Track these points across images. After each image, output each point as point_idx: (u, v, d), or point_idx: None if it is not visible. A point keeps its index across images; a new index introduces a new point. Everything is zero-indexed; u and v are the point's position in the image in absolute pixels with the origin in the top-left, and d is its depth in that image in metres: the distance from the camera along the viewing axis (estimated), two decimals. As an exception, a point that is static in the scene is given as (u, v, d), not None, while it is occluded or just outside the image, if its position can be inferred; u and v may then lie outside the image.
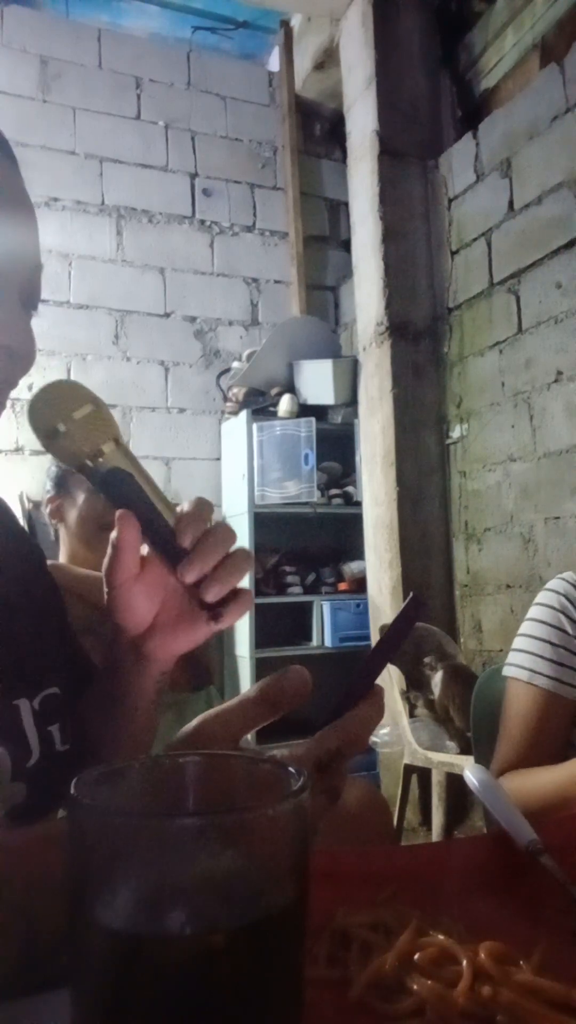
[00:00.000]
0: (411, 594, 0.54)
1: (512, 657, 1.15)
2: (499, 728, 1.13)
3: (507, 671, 1.14)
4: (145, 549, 0.61)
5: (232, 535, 0.59)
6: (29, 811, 0.60)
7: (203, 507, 0.59)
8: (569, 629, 1.11)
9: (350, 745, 0.48)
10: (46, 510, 1.58)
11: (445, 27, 3.55)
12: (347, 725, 0.49)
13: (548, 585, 1.18)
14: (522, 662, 1.12)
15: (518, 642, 1.15)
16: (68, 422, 0.57)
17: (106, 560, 0.60)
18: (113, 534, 0.59)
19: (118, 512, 0.58)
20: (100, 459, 0.58)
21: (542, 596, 1.17)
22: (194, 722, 0.52)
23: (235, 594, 0.58)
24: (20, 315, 0.61)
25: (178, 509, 0.60)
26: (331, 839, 0.49)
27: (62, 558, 1.59)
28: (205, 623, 0.60)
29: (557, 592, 1.15)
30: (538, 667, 1.10)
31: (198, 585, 0.57)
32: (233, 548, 0.59)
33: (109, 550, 0.59)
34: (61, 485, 1.55)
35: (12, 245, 0.61)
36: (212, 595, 0.57)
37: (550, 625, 1.12)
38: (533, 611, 1.16)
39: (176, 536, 0.58)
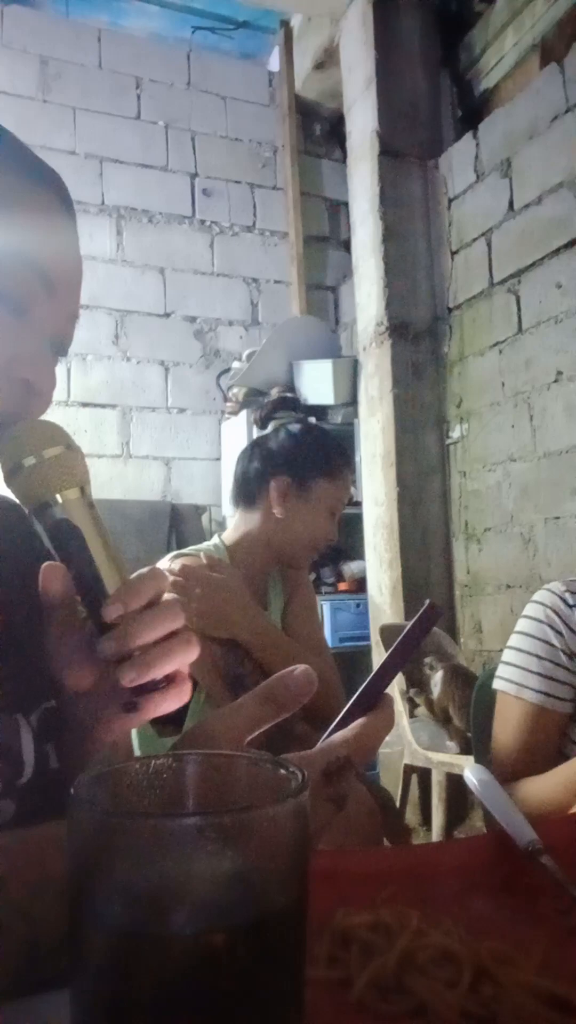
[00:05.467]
0: (427, 602, 0.53)
1: (501, 670, 1.15)
2: (491, 741, 1.13)
3: (496, 684, 1.15)
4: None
5: (177, 618, 0.54)
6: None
7: (149, 583, 0.54)
8: (556, 642, 1.11)
9: (359, 753, 0.48)
10: (273, 492, 1.51)
11: (445, 27, 3.55)
12: (356, 733, 0.49)
13: (535, 597, 1.17)
14: (511, 676, 1.13)
15: (507, 655, 1.16)
16: (37, 458, 0.54)
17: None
18: (40, 584, 0.56)
19: (44, 565, 0.55)
20: (53, 507, 0.54)
21: (529, 608, 1.17)
22: (198, 723, 0.52)
23: (169, 681, 0.53)
24: (47, 356, 0.62)
25: (135, 575, 0.55)
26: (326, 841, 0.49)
27: (233, 534, 1.53)
28: (118, 712, 0.54)
29: (543, 604, 1.14)
30: (526, 681, 1.10)
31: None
32: (177, 631, 0.53)
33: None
34: (304, 481, 1.51)
35: (48, 286, 0.62)
36: (127, 678, 0.50)
37: (536, 638, 1.12)
38: (520, 624, 1.16)
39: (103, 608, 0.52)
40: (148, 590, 0.53)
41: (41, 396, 0.61)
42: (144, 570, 0.56)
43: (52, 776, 0.62)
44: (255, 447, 1.60)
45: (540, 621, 1.13)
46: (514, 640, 1.16)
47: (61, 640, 0.56)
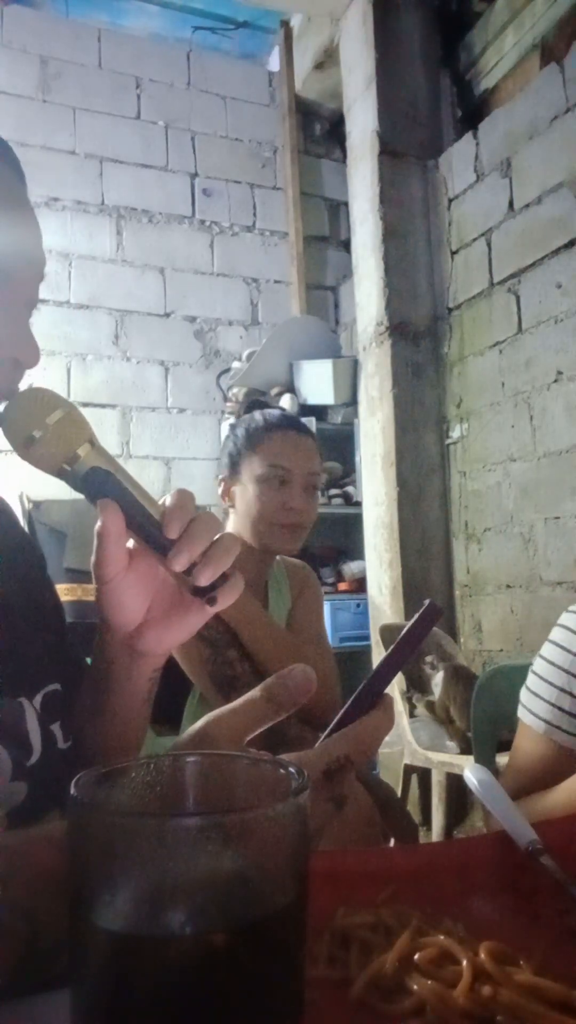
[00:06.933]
0: (427, 601, 0.52)
1: (528, 700, 1.07)
2: (508, 764, 1.09)
3: (524, 716, 1.07)
4: (131, 543, 0.61)
5: (217, 522, 0.60)
6: (30, 810, 0.59)
7: (186, 498, 0.60)
8: None
9: (358, 753, 0.48)
10: (219, 490, 1.54)
11: (445, 27, 3.55)
12: (356, 733, 0.49)
13: (563, 620, 1.07)
14: (539, 711, 1.04)
15: (536, 684, 1.06)
16: (43, 428, 0.57)
17: (93, 554, 0.60)
18: (97, 525, 0.59)
19: (100, 501, 0.59)
20: (78, 462, 0.58)
21: (560, 635, 1.07)
22: (199, 723, 0.52)
23: (225, 578, 0.60)
24: (27, 327, 0.63)
25: (160, 502, 0.60)
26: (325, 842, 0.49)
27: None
28: (200, 608, 0.61)
29: (573, 631, 1.04)
30: (556, 720, 1.02)
31: (189, 572, 0.58)
32: (219, 535, 0.60)
33: (95, 542, 0.59)
34: (234, 466, 1.52)
35: (23, 259, 0.63)
36: (204, 578, 0.58)
37: (570, 673, 1.03)
38: (550, 651, 1.07)
39: (162, 527, 0.58)
40: (190, 506, 0.60)
41: (27, 368, 0.63)
42: (174, 492, 0.61)
43: (60, 755, 0.64)
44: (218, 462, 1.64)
45: (572, 654, 1.04)
46: (544, 670, 1.06)
47: (119, 574, 0.61)
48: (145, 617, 0.63)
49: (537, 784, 1.00)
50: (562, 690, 1.03)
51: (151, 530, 0.59)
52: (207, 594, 0.59)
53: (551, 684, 1.04)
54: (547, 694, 1.04)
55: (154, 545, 0.59)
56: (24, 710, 0.62)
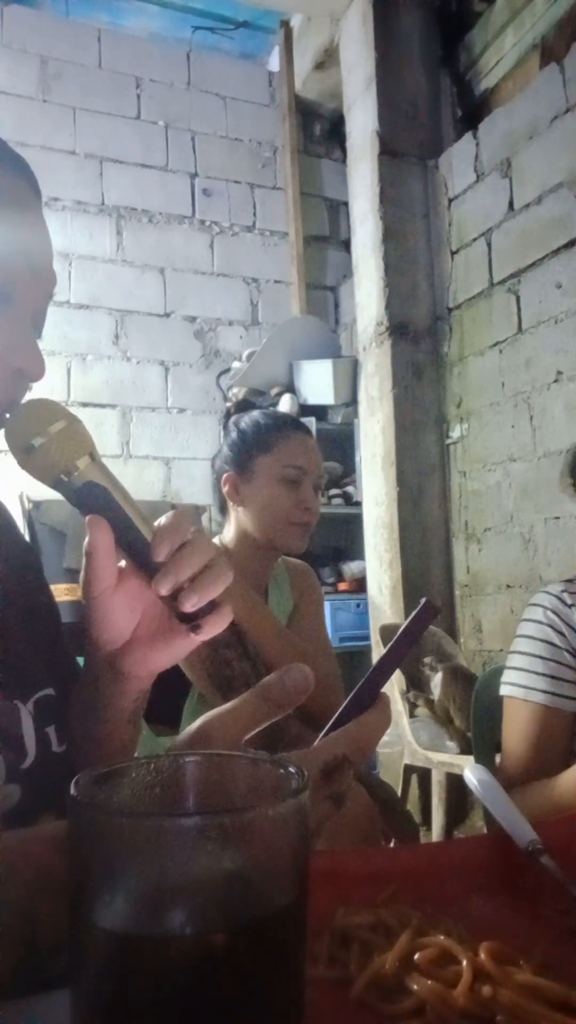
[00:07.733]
0: (424, 600, 0.52)
1: (507, 675, 1.15)
2: (501, 747, 1.13)
3: (503, 690, 1.15)
4: (123, 562, 0.60)
5: (210, 547, 0.59)
6: (23, 813, 0.59)
7: (181, 519, 0.59)
8: (558, 641, 1.11)
9: (356, 752, 0.48)
10: (225, 488, 1.54)
11: (445, 27, 3.55)
12: (354, 732, 0.49)
13: (534, 599, 1.18)
14: (516, 679, 1.13)
15: (511, 659, 1.16)
16: (44, 436, 0.57)
17: (82, 570, 0.59)
18: (85, 542, 0.58)
19: (88, 517, 0.58)
20: (75, 473, 0.58)
21: (529, 611, 1.17)
22: (197, 723, 0.52)
23: (214, 605, 0.58)
24: (32, 339, 0.63)
25: (156, 523, 0.59)
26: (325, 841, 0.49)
27: (227, 538, 1.55)
28: (185, 636, 0.60)
29: (543, 606, 1.15)
30: (532, 683, 1.10)
31: (176, 598, 0.57)
32: (212, 559, 0.58)
33: (84, 559, 0.58)
34: (244, 465, 1.53)
35: (31, 272, 0.63)
36: (189, 605, 0.57)
37: (539, 640, 1.12)
38: (522, 627, 1.17)
39: (151, 549, 0.57)
40: (184, 528, 0.58)
41: (33, 381, 0.63)
42: (169, 513, 0.59)
43: (54, 759, 0.64)
44: (212, 460, 1.64)
45: (541, 623, 1.13)
46: (517, 644, 1.16)
47: (107, 591, 0.59)
48: (131, 637, 0.62)
49: (538, 757, 1.03)
50: (544, 658, 1.11)
51: (140, 550, 0.58)
52: (192, 621, 0.58)
53: (537, 657, 1.12)
54: (541, 667, 1.11)
55: (142, 566, 0.58)
56: (19, 713, 0.62)
